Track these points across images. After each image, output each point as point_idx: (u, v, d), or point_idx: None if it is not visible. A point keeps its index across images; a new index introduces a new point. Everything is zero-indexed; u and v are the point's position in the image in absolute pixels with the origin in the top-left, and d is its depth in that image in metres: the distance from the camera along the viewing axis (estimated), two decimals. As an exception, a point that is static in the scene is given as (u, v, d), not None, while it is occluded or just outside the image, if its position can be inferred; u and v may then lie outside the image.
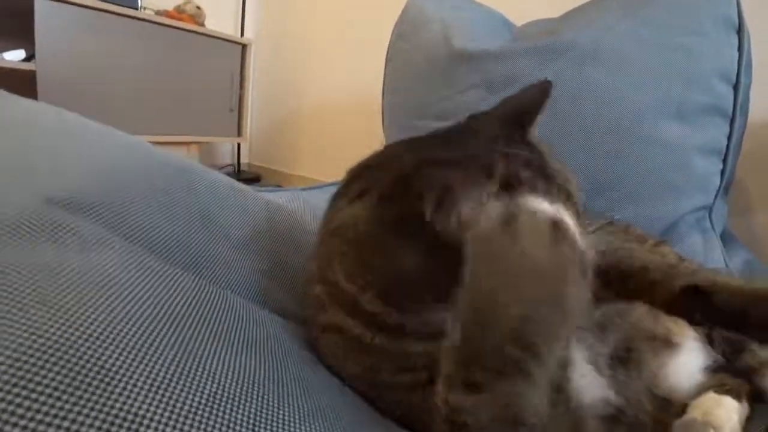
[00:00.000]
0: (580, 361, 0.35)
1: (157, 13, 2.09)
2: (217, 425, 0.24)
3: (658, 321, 0.44)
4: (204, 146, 2.36)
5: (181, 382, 0.25)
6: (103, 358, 0.24)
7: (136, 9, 1.82)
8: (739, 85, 0.77)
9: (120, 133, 0.61)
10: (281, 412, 0.28)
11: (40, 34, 1.58)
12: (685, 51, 0.75)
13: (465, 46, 0.89)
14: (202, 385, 0.26)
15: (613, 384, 0.36)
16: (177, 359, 0.26)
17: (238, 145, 2.67)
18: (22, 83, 1.61)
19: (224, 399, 0.26)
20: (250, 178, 2.75)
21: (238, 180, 2.57)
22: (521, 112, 0.39)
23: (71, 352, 0.23)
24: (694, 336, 0.44)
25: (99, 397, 0.22)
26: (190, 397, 0.25)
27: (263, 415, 0.27)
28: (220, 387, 0.27)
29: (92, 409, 0.21)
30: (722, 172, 0.78)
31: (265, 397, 0.28)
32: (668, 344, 0.43)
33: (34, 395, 0.20)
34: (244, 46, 2.23)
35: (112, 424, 0.21)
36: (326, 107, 2.42)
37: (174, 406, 0.24)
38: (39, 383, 0.21)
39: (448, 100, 0.92)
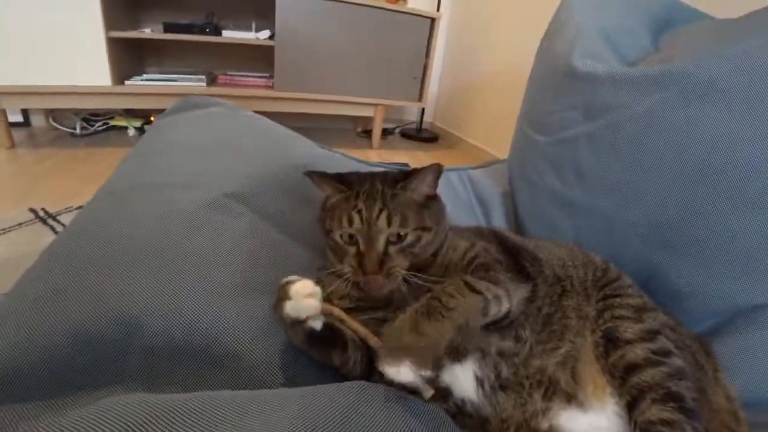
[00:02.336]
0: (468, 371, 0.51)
1: (368, -11, 2.42)
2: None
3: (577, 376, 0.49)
4: (392, 107, 2.68)
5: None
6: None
7: (347, -9, 2.19)
8: None
9: (285, 138, 0.90)
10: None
11: (279, 18, 2.10)
12: None
13: (579, 63, 0.84)
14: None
15: (486, 402, 0.50)
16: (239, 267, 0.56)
17: (423, 108, 2.92)
18: (267, 55, 2.21)
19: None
20: (429, 137, 2.99)
21: (418, 137, 2.94)
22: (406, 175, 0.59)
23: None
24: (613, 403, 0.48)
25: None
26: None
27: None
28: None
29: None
30: None
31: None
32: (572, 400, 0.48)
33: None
34: (432, 20, 2.37)
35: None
36: (500, 81, 2.39)
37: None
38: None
39: (550, 116, 0.90)
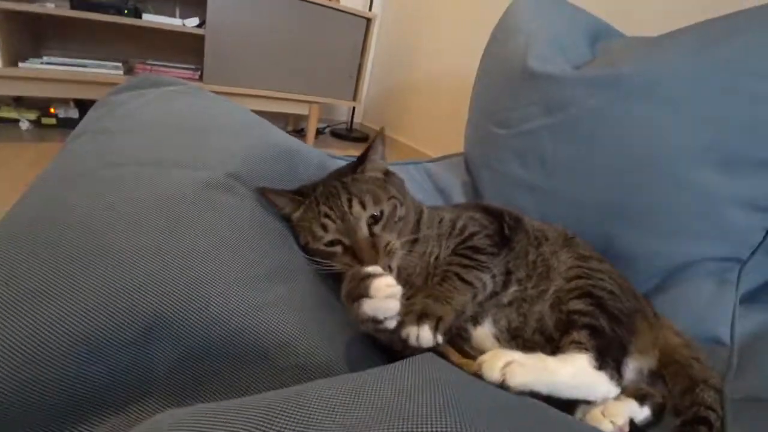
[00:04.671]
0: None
1: (302, -16, 2.39)
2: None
3: None
4: (324, 105, 2.68)
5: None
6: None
7: (284, -15, 2.14)
8: (820, 141, 0.73)
9: (258, 122, 0.87)
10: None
11: (212, 5, 1.99)
12: (749, 97, 0.72)
13: (534, 65, 0.96)
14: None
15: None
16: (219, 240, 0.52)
17: (353, 107, 2.95)
18: (195, 44, 2.06)
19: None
20: (359, 137, 3.04)
21: (349, 137, 2.92)
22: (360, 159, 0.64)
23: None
24: None
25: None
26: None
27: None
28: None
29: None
30: (768, 230, 0.76)
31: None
32: None
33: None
34: (368, 20, 2.43)
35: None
36: (434, 82, 2.54)
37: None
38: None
39: (510, 111, 1.01)
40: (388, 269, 0.56)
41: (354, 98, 2.64)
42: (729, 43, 0.76)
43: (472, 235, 0.63)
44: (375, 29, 2.56)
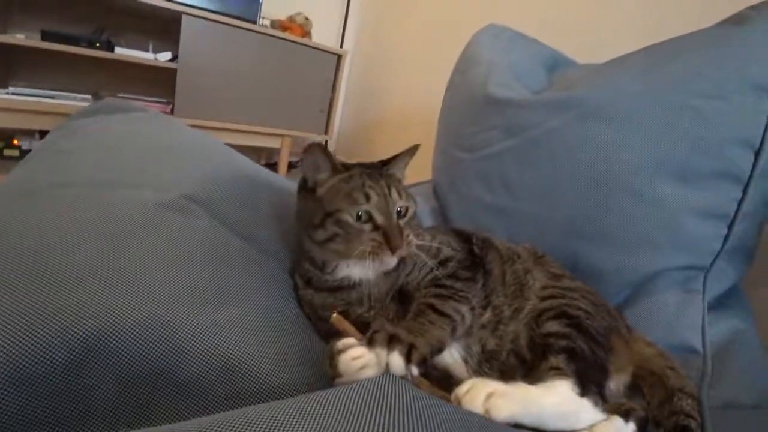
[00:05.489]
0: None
1: (273, 22, 2.46)
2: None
3: None
4: (297, 138, 2.69)
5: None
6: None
7: (256, 23, 2.20)
8: (761, 152, 0.77)
9: (223, 148, 0.86)
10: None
11: (183, 41, 2.00)
12: (696, 114, 0.76)
13: (495, 91, 1.00)
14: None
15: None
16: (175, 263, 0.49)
17: (326, 141, 2.98)
18: (167, 78, 2.06)
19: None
20: (333, 171, 3.04)
21: None
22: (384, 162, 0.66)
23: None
24: None
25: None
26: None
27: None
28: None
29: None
30: (726, 237, 0.79)
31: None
32: None
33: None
34: (339, 56, 2.51)
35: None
36: (405, 116, 2.60)
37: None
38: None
39: (473, 136, 1.04)
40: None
41: (326, 132, 2.67)
42: (673, 65, 0.81)
43: (446, 259, 0.62)
44: (346, 65, 2.64)
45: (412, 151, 0.67)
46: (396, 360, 0.42)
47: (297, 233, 0.67)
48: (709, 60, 0.79)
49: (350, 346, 0.43)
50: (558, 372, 0.48)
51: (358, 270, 0.58)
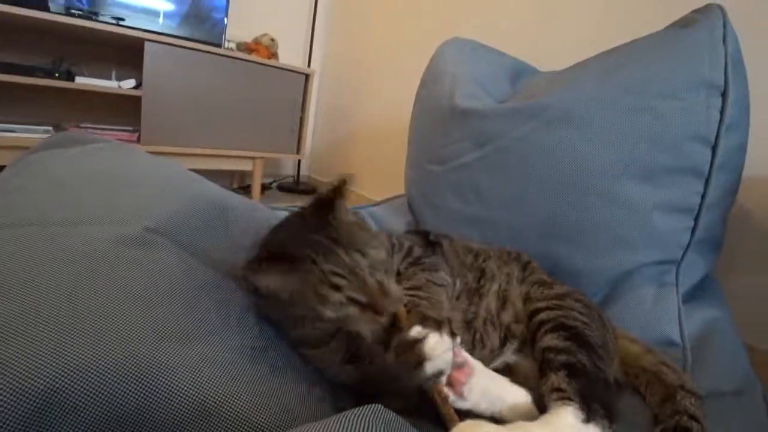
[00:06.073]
0: None
1: (238, 44, 2.45)
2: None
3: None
4: (269, 159, 2.67)
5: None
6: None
7: (221, 47, 2.18)
8: (717, 146, 0.80)
9: (187, 175, 0.84)
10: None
11: (148, 67, 1.97)
12: (654, 114, 0.79)
13: (461, 102, 1.02)
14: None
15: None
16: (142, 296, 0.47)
17: (299, 160, 2.97)
18: (132, 106, 2.02)
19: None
20: (307, 189, 3.03)
21: (297, 190, 2.83)
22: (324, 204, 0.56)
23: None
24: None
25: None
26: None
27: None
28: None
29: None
30: (693, 230, 0.81)
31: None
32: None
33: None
34: (306, 76, 2.51)
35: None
36: (375, 132, 2.62)
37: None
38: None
39: (443, 148, 1.05)
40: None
41: (297, 151, 2.65)
42: (628, 68, 0.84)
43: (410, 248, 0.65)
44: (315, 84, 2.64)
45: (342, 182, 0.57)
46: (447, 340, 0.48)
47: None
48: (661, 62, 0.82)
49: (426, 336, 0.47)
50: (560, 395, 0.46)
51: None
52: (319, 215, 0.55)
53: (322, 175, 3.21)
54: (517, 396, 0.50)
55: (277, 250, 0.53)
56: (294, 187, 3.01)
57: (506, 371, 0.56)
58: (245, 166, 2.48)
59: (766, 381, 0.74)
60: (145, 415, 0.40)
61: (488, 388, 0.50)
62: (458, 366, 0.49)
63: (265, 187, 2.87)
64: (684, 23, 0.85)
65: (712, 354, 0.69)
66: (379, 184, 2.55)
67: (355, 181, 2.86)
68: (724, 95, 0.80)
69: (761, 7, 1.08)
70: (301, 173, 3.15)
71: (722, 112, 0.80)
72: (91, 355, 0.40)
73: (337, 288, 0.49)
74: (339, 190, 0.55)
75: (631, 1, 1.33)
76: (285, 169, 3.23)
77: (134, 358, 0.42)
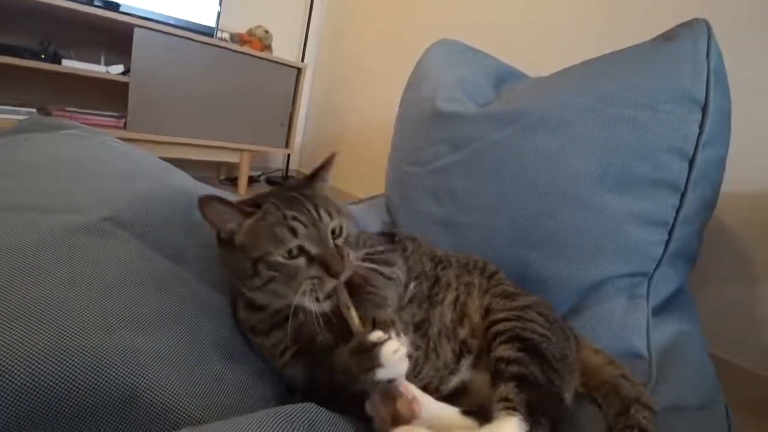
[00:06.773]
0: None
1: (231, 35, 2.42)
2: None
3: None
4: (258, 152, 2.64)
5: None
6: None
7: (213, 36, 2.15)
8: (695, 160, 0.80)
9: (159, 166, 0.83)
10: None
11: (137, 53, 1.94)
12: (632, 124, 0.78)
13: (442, 106, 1.01)
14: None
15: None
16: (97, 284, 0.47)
17: (288, 154, 2.95)
18: (119, 92, 1.99)
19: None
20: (297, 184, 3.00)
21: None
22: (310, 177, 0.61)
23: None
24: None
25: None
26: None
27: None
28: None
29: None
30: (667, 243, 0.81)
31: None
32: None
33: None
34: (299, 70, 2.49)
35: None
36: (367, 128, 2.60)
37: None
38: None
39: (422, 150, 1.04)
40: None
41: (286, 146, 2.63)
42: (610, 78, 0.83)
43: (373, 244, 0.64)
44: (307, 79, 2.62)
45: (331, 160, 0.63)
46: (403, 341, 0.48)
47: (230, 283, 0.61)
48: (644, 73, 0.82)
49: (386, 341, 0.45)
50: (506, 404, 0.46)
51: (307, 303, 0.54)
52: (301, 183, 0.60)
53: (310, 170, 3.19)
54: (465, 423, 0.49)
55: (249, 200, 0.55)
56: (282, 181, 2.99)
57: (462, 391, 0.55)
58: (232, 157, 2.45)
59: (737, 394, 0.74)
60: (73, 399, 0.40)
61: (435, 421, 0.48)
62: (407, 402, 0.47)
63: (252, 180, 2.84)
64: (668, 36, 0.85)
65: (677, 368, 0.69)
66: (367, 183, 2.53)
67: (344, 179, 2.84)
68: (704, 109, 0.79)
69: (747, 24, 1.08)
70: (290, 167, 3.12)
71: (701, 126, 0.79)
72: (30, 345, 0.40)
73: (293, 232, 0.50)
74: (326, 163, 0.61)
75: (628, 7, 1.33)
76: (274, 162, 3.21)
77: (74, 346, 0.41)
